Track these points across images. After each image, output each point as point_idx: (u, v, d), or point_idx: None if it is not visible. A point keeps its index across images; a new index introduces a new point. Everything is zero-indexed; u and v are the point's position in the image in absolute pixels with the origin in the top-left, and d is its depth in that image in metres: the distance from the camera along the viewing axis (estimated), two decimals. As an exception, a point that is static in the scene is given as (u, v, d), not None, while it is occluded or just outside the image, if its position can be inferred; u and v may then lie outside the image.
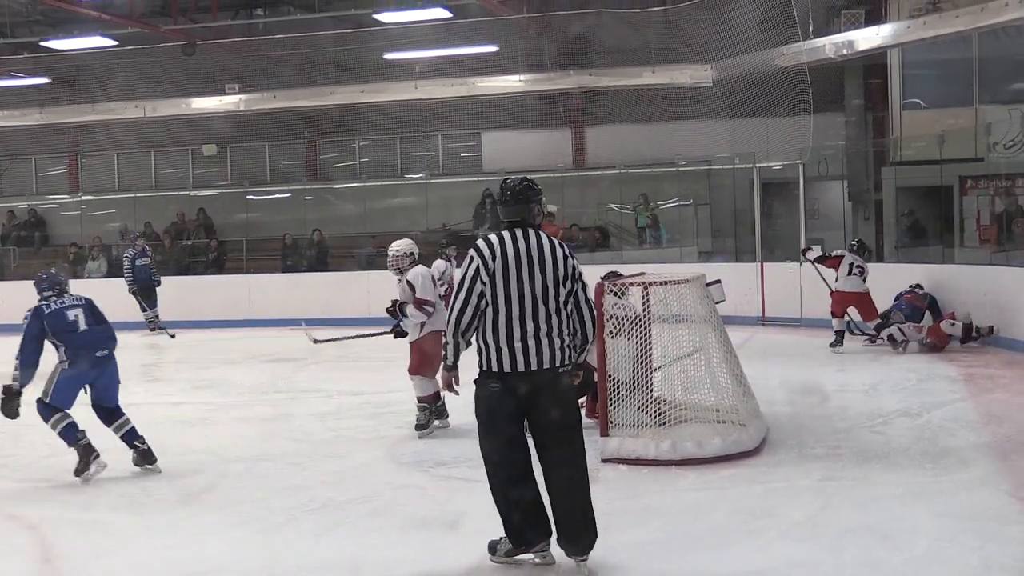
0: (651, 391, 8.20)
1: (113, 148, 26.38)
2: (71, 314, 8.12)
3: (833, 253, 14.31)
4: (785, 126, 18.17)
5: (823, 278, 14.40)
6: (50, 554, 6.23)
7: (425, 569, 5.60)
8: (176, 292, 19.55)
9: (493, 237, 5.43)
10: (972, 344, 13.25)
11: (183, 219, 24.06)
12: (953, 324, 13.28)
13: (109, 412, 8.16)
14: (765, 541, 5.86)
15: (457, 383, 5.55)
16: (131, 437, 8.05)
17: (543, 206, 5.66)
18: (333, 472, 7.90)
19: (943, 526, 5.98)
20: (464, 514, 6.09)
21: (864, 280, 13.80)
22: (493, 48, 21.77)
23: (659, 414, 8.02)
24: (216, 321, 18.55)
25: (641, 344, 8.12)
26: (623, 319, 8.10)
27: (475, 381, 5.46)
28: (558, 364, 5.39)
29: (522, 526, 5.44)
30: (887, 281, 14.34)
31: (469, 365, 5.51)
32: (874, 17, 19.26)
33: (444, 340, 5.48)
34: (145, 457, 8.02)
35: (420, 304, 8.88)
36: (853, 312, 14.00)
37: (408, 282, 9.02)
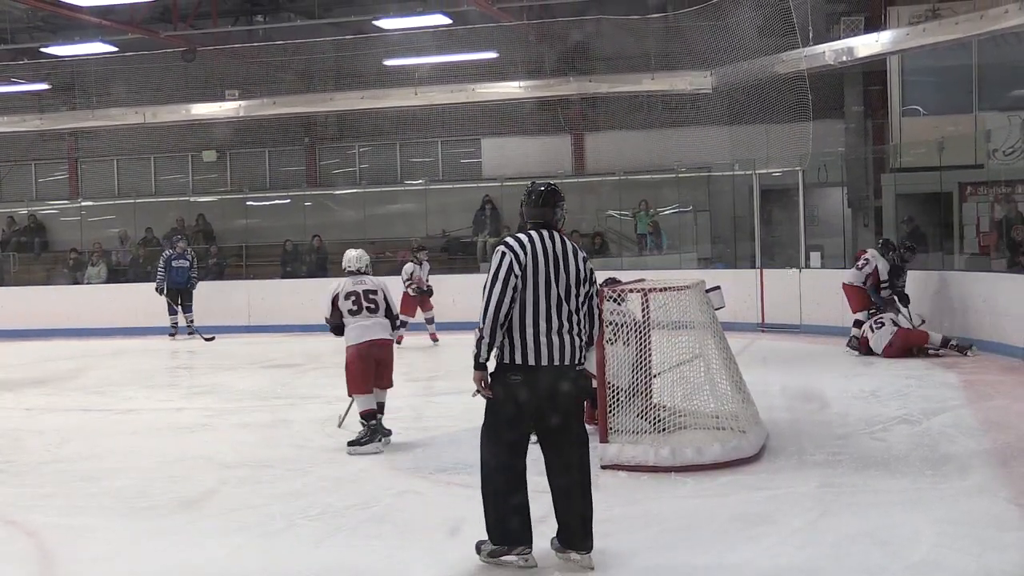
0: (650, 397, 8.20)
1: (113, 154, 26.47)
2: None
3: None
4: (785, 133, 18.20)
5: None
6: (49, 560, 6.22)
7: (424, 575, 5.60)
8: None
9: (523, 236, 5.57)
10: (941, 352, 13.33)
11: (183, 225, 24.05)
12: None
13: None
14: (764, 548, 5.85)
15: (487, 384, 5.52)
16: None
17: (563, 210, 5.78)
18: (332, 478, 7.89)
19: (942, 533, 5.97)
20: (463, 520, 6.08)
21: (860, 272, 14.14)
22: (493, 55, 21.83)
23: (658, 420, 8.01)
24: (215, 327, 18.54)
25: (640, 351, 8.12)
26: (621, 325, 8.10)
27: (492, 374, 5.53)
28: (576, 361, 5.55)
29: (509, 530, 5.51)
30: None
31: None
32: (874, 24, 19.32)
33: (479, 336, 5.47)
34: None
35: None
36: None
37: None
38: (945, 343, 13.25)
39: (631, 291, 8.20)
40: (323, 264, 21.83)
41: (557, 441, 5.57)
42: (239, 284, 21.07)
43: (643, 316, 8.14)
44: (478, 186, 23.32)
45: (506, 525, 5.51)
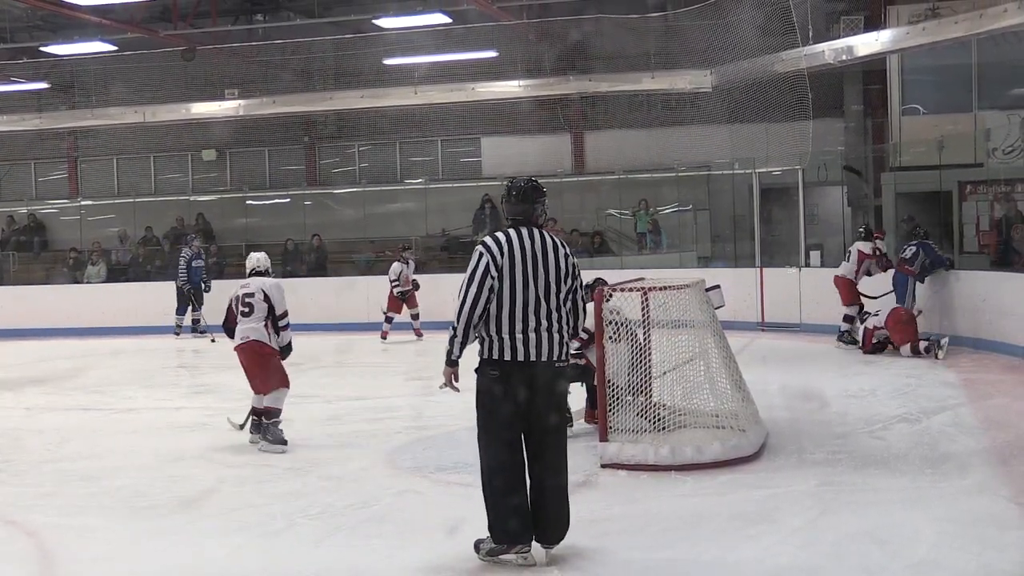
0: (650, 396, 8.20)
1: (112, 153, 26.45)
2: None
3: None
4: (784, 131, 18.19)
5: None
6: (49, 560, 6.22)
7: (424, 575, 5.60)
8: (176, 297, 19.53)
9: (500, 235, 5.61)
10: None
11: (182, 224, 24.04)
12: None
13: None
14: (764, 547, 5.85)
15: (457, 379, 5.71)
16: None
17: (545, 205, 5.82)
18: (332, 477, 7.89)
19: (942, 532, 5.98)
20: (463, 520, 6.08)
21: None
22: (493, 54, 21.81)
23: (658, 419, 8.02)
24: (215, 326, 18.49)
25: (638, 350, 8.12)
26: (621, 325, 8.11)
27: (476, 370, 5.62)
28: (555, 358, 5.60)
29: (508, 528, 5.55)
30: (886, 285, 14.38)
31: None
32: (873, 23, 19.31)
33: (452, 334, 5.57)
34: None
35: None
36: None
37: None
38: (915, 351, 13.23)
39: (631, 290, 8.21)
40: (323, 263, 21.84)
41: (537, 436, 5.62)
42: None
43: (643, 315, 8.15)
44: (478, 185, 23.30)
45: (505, 524, 5.54)
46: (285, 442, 8.77)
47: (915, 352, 13.11)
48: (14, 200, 26.60)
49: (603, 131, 23.60)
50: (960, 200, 18.34)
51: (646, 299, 8.15)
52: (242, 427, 9.10)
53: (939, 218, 18.05)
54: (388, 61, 22.12)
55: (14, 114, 24.02)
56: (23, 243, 25.07)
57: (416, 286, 17.28)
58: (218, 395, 12.40)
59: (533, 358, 5.52)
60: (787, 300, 16.94)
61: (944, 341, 13.09)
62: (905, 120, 20.18)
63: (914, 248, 14.22)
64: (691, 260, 20.29)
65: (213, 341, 17.74)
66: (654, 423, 7.97)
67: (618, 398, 8.00)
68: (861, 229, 15.32)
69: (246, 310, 8.99)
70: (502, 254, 5.53)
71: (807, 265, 17.40)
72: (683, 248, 21.24)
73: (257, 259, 9.40)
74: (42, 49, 22.57)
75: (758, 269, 17.59)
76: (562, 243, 5.76)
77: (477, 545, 5.67)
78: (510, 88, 21.66)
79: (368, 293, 18.00)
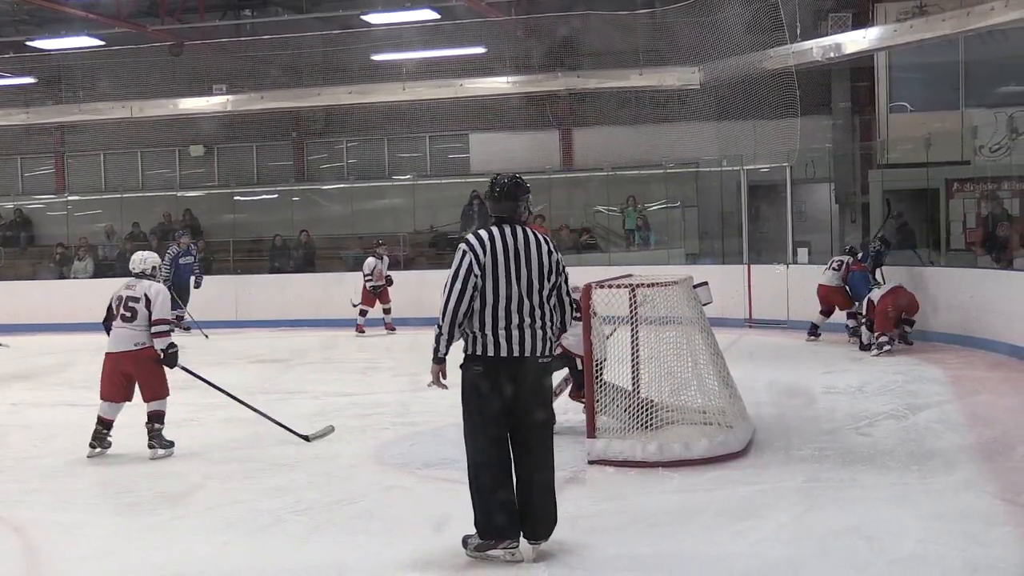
0: (638, 393, 8.21)
1: (99, 148, 26.36)
2: None
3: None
4: (772, 129, 18.24)
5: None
6: (36, 557, 6.20)
7: (411, 571, 5.60)
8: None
9: (483, 232, 5.64)
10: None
11: (170, 220, 23.96)
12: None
13: None
14: (751, 542, 5.87)
15: (444, 376, 5.72)
16: None
17: (530, 204, 5.83)
18: (320, 473, 7.88)
19: (928, 528, 6.00)
20: (450, 516, 6.08)
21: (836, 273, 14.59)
22: (481, 50, 21.79)
23: (646, 413, 8.02)
24: (203, 322, 18.48)
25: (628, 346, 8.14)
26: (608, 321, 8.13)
27: (461, 366, 5.64)
28: (539, 353, 5.61)
29: (497, 524, 5.56)
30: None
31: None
32: (861, 20, 19.34)
33: (438, 332, 5.59)
34: None
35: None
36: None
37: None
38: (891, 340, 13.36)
39: (618, 287, 8.22)
40: (311, 259, 21.81)
41: (522, 432, 5.64)
42: (226, 279, 21.02)
43: (631, 312, 8.17)
44: (466, 181, 23.28)
45: (492, 519, 5.55)
46: (172, 444, 8.59)
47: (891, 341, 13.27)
48: (0, 195, 26.50)
49: (591, 128, 23.59)
50: (947, 198, 18.39)
51: (634, 296, 8.17)
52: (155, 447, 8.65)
53: (926, 215, 18.09)
54: (376, 57, 22.07)
55: (0, 109, 23.93)
56: (9, 238, 25.02)
57: (389, 282, 17.77)
58: (205, 391, 12.35)
59: (517, 354, 5.54)
60: (774, 297, 16.97)
61: (883, 340, 13.26)
62: (892, 117, 20.23)
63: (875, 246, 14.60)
64: (679, 257, 20.31)
65: (207, 337, 17.73)
66: (642, 420, 7.97)
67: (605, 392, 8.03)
68: (848, 248, 15.49)
69: (128, 315, 8.38)
70: (485, 252, 5.55)
71: (795, 262, 17.44)
72: (671, 245, 21.26)
73: (144, 259, 8.71)
74: (29, 44, 22.46)
75: (746, 266, 17.62)
76: (546, 240, 5.78)
77: (465, 541, 5.68)
78: (498, 84, 21.65)
79: (357, 289, 17.96)
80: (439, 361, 5.67)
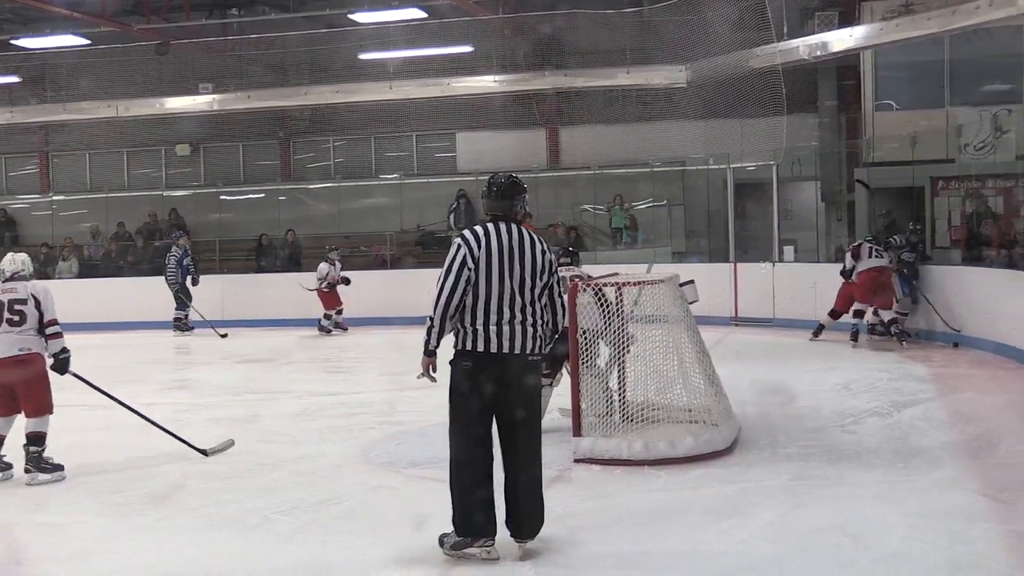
0: (625, 391, 8.22)
1: (85, 148, 26.23)
2: None
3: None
4: (759, 127, 18.26)
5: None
6: (20, 557, 6.19)
7: (396, 571, 5.60)
8: (149, 293, 19.48)
9: (479, 228, 5.67)
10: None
11: (156, 219, 23.93)
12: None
13: None
14: (736, 540, 5.88)
15: (434, 369, 5.73)
16: None
17: (526, 203, 5.87)
18: (305, 473, 7.87)
19: (913, 525, 6.01)
20: (436, 516, 6.07)
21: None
22: (468, 48, 21.79)
23: (631, 411, 8.03)
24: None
25: (615, 343, 8.14)
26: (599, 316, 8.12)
27: (451, 361, 5.65)
28: (528, 351, 5.63)
29: (472, 522, 5.58)
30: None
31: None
32: (847, 19, 19.37)
33: (429, 324, 5.61)
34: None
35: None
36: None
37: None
38: (887, 327, 13.45)
39: (606, 284, 8.22)
40: (297, 258, 21.77)
41: (509, 430, 5.66)
42: (212, 278, 20.95)
43: (617, 309, 8.18)
44: (452, 180, 23.29)
45: (469, 518, 5.57)
46: (61, 466, 7.81)
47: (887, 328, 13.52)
48: (-15, 195, 26.43)
49: (578, 126, 23.57)
50: (932, 195, 18.46)
51: (620, 294, 8.19)
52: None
53: (912, 213, 18.15)
54: (363, 56, 22.04)
55: (-15, 108, 23.85)
56: (-6, 238, 24.93)
57: (346, 282, 18.19)
58: (190, 391, 12.39)
59: (506, 350, 5.55)
60: (761, 295, 17.01)
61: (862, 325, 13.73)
62: (878, 116, 20.28)
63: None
64: (665, 255, 20.34)
65: (224, 336, 17.68)
66: (628, 418, 7.99)
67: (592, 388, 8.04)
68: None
69: (15, 318, 7.67)
70: (480, 246, 5.58)
71: (781, 260, 17.48)
72: (658, 243, 21.29)
73: (22, 261, 8.03)
74: (13, 42, 22.38)
75: (732, 264, 17.67)
76: (540, 239, 5.82)
77: (442, 540, 5.68)
78: (485, 83, 21.63)
79: (342, 288, 17.95)
80: (430, 354, 5.68)
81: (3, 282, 7.88)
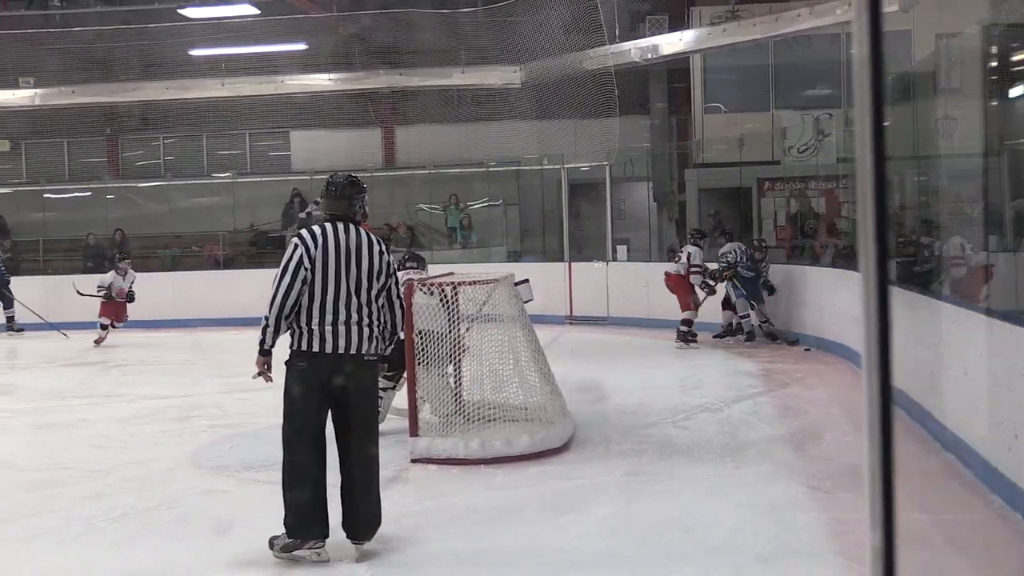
0: (461, 390, 8.23)
1: None
2: None
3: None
4: (592, 128, 18.52)
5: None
6: None
7: (230, 575, 5.49)
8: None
9: (316, 228, 5.64)
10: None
11: (-28, 219, 23.01)
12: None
13: None
14: (573, 536, 5.94)
15: (270, 369, 5.68)
16: None
17: (365, 203, 5.84)
18: (136, 478, 7.66)
19: (742, 517, 6.18)
20: (270, 519, 5.98)
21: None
22: (302, 46, 21.54)
23: (456, 410, 8.04)
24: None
25: (442, 342, 8.14)
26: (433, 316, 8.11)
27: (286, 362, 5.59)
28: (364, 352, 5.59)
29: (304, 522, 5.53)
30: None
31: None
32: (677, 24, 19.82)
33: (265, 324, 5.55)
34: None
35: None
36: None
37: None
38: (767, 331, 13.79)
39: (441, 284, 8.22)
40: (126, 258, 21.14)
41: (345, 431, 5.63)
42: (36, 279, 20.24)
43: (453, 309, 8.18)
44: (287, 179, 23.00)
45: (299, 519, 5.52)
46: None
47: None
48: None
49: (413, 126, 23.57)
50: (759, 196, 18.99)
51: (456, 293, 8.19)
52: None
53: (740, 213, 18.65)
54: (194, 52, 21.57)
55: None
56: None
57: (131, 298, 16.43)
58: (13, 396, 11.91)
59: (342, 351, 5.51)
60: (595, 294, 17.24)
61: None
62: (707, 118, 20.79)
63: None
64: (501, 254, 20.46)
65: (66, 336, 17.06)
66: (464, 417, 8.00)
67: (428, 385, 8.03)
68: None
69: None
70: (316, 246, 5.54)
71: (615, 259, 17.75)
72: (493, 243, 21.39)
73: None
74: None
75: (567, 263, 17.86)
76: (378, 240, 5.80)
77: (272, 541, 5.60)
78: (319, 81, 21.44)
79: (174, 289, 17.55)
80: (265, 353, 5.62)
81: None
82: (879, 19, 1.52)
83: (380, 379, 8.31)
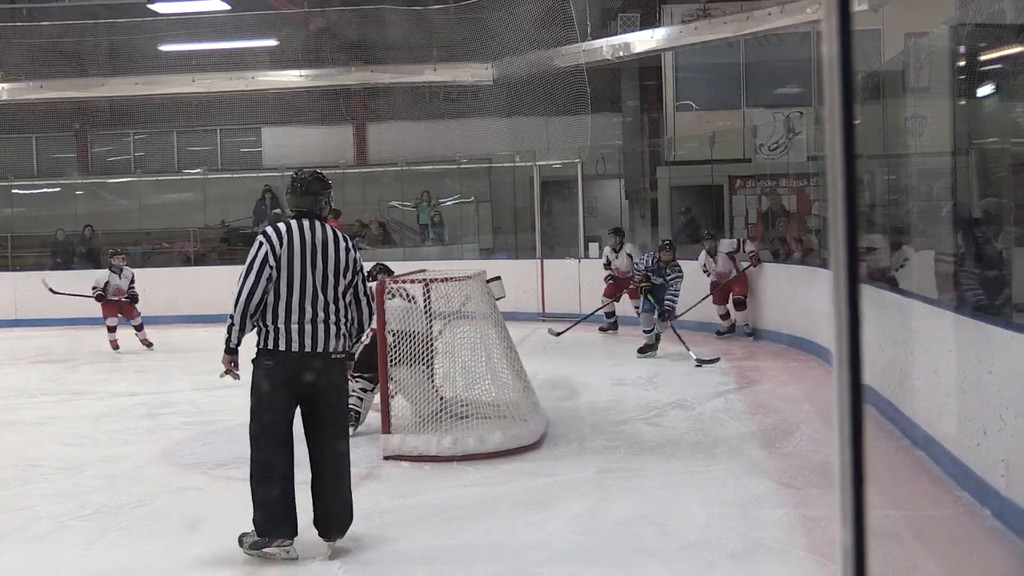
0: (433, 388, 8.23)
1: None
2: None
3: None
4: (564, 125, 18.56)
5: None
6: None
7: (202, 572, 5.47)
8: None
9: (281, 225, 5.61)
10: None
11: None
12: None
13: None
14: (545, 533, 5.95)
15: (237, 367, 5.65)
16: None
17: (331, 199, 5.83)
18: (106, 476, 7.63)
19: (713, 513, 6.20)
20: (242, 516, 5.97)
21: None
22: (273, 42, 21.49)
23: (441, 409, 8.05)
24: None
25: (423, 340, 8.14)
26: (407, 316, 8.11)
27: (252, 360, 5.56)
28: (331, 350, 5.57)
29: (273, 520, 5.51)
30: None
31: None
32: (649, 21, 19.88)
33: (230, 322, 5.52)
34: None
35: None
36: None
37: None
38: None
39: (413, 281, 8.22)
40: (95, 255, 21.04)
41: (314, 429, 5.62)
42: (5, 276, 20.11)
43: (424, 306, 8.19)
44: (258, 176, 22.92)
45: (268, 517, 5.51)
46: None
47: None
48: None
49: (385, 122, 23.55)
50: (730, 194, 19.07)
51: (428, 290, 8.20)
52: None
53: (711, 210, 18.71)
54: (164, 47, 21.49)
55: None
56: None
57: (134, 299, 15.18)
58: (-18, 393, 11.83)
59: (308, 349, 5.49)
60: (567, 290, 17.26)
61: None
62: (679, 116, 20.86)
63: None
64: (473, 251, 20.46)
65: None
66: (436, 414, 8.00)
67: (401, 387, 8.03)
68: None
69: None
70: (281, 244, 5.51)
71: (586, 256, 17.78)
72: (465, 240, 21.40)
73: None
74: None
75: (539, 260, 17.87)
76: (344, 237, 5.78)
77: (241, 539, 5.60)
78: (291, 78, 21.40)
79: (144, 286, 17.41)
80: (231, 352, 5.59)
81: None
82: (848, 18, 1.53)
83: (360, 380, 8.35)
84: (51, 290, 16.12)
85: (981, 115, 8.71)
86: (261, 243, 5.54)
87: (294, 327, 5.47)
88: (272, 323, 5.48)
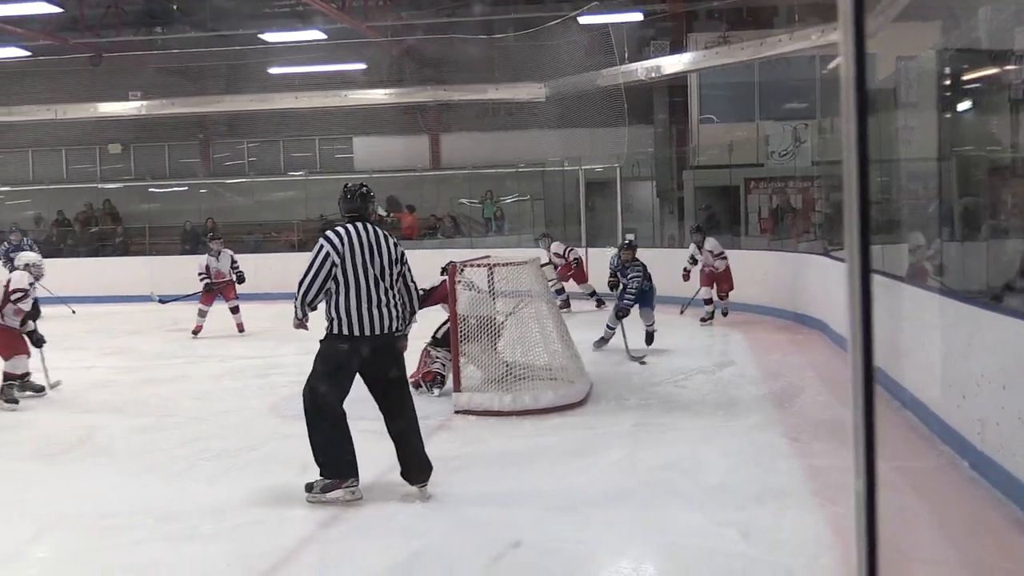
0: (498, 356, 8.24)
1: (28, 145, 25.28)
2: None
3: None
4: (605, 135, 18.42)
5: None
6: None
7: (306, 507, 5.52)
8: (89, 271, 18.90)
9: (340, 229, 5.56)
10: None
11: (91, 208, 23.25)
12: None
13: None
14: (590, 476, 5.94)
15: (307, 328, 5.66)
16: None
17: (375, 206, 5.87)
18: (227, 425, 7.72)
19: (731, 462, 6.17)
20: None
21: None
22: (362, 65, 21.57)
23: (505, 374, 8.05)
24: (123, 296, 17.92)
25: (488, 316, 8.15)
26: (473, 299, 8.14)
27: (322, 341, 5.54)
28: (394, 329, 5.54)
29: (342, 465, 5.48)
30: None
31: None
32: (677, 47, 19.70)
33: (296, 305, 5.54)
34: None
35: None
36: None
37: None
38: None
39: (480, 266, 8.24)
40: (216, 238, 21.21)
41: (387, 393, 5.56)
42: (143, 260, 20.41)
43: (489, 286, 8.20)
44: (350, 177, 22.87)
45: (335, 462, 5.48)
46: (16, 400, 8.55)
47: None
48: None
49: (456, 133, 23.58)
50: (746, 193, 18.88)
51: (492, 274, 8.20)
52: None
53: (729, 208, 18.54)
54: (272, 70, 21.67)
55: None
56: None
57: (240, 279, 14.04)
58: (125, 356, 12.00)
59: (377, 332, 5.45)
60: (606, 274, 17.10)
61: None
62: (702, 127, 20.67)
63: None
64: (528, 241, 20.38)
65: (74, 312, 17.12)
66: (500, 377, 8.01)
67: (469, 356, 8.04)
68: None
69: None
70: (343, 244, 5.47)
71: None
72: (522, 231, 21.36)
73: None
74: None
75: (584, 249, 17.77)
76: (388, 235, 5.73)
77: (310, 486, 5.55)
78: (377, 96, 21.50)
79: (256, 269, 17.55)
80: (300, 320, 5.61)
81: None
82: (863, 42, 1.50)
83: (442, 351, 8.35)
84: (160, 301, 15.51)
85: (962, 127, 8.56)
86: (322, 245, 5.49)
87: (364, 314, 5.42)
88: (345, 312, 5.42)
